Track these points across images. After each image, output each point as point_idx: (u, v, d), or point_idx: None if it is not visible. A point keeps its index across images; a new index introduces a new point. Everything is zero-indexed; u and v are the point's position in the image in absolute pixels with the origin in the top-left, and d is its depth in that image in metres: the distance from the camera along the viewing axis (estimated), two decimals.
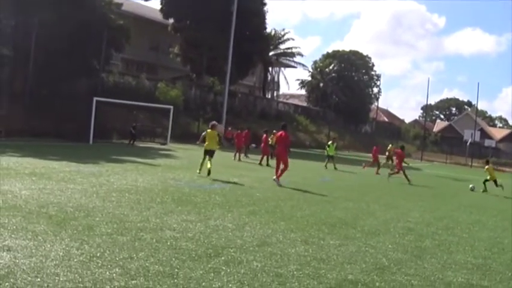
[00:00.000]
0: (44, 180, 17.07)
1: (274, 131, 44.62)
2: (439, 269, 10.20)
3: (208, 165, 23.27)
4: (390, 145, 46.11)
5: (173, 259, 8.90)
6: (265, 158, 34.95)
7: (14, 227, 10.07)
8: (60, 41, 40.64)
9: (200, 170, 23.57)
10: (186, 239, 10.50)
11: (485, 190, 30.15)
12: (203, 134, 25.13)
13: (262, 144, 36.18)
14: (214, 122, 26.18)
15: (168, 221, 12.17)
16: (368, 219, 15.43)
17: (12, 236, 9.38)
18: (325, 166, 37.87)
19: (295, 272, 8.88)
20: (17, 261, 7.96)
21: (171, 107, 50.28)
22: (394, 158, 38.06)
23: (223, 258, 9.31)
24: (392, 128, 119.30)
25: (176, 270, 8.31)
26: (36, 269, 7.69)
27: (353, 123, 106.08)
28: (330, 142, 41.96)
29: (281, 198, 18.33)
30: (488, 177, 31.07)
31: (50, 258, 8.25)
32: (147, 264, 8.47)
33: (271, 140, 42.00)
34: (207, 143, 24.17)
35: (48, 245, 8.99)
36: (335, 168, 37.29)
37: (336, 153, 40.58)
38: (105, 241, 9.65)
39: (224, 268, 8.67)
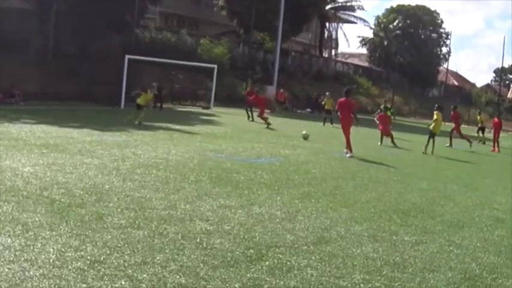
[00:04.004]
0: (56, 153, 15.87)
1: (327, 93, 43.39)
2: None
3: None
4: (479, 116, 43.38)
5: (201, 265, 7.45)
6: None
7: (2, 217, 8.78)
8: None
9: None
10: (221, 233, 9.07)
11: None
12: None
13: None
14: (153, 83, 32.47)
15: (201, 207, 10.77)
16: (447, 205, 13.74)
17: None
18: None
19: (362, 285, 7.37)
20: None
21: (215, 66, 48.98)
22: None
23: (267, 263, 7.82)
24: (463, 92, 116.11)
25: (203, 283, 6.85)
26: (14, 281, 6.36)
27: (419, 86, 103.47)
28: (382, 106, 40.06)
29: (341, 176, 16.80)
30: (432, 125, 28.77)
31: (37, 265, 6.88)
32: (165, 273, 7.03)
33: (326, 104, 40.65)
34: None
35: (39, 244, 7.65)
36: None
37: (393, 119, 38.15)
38: (115, 237, 8.28)
39: (268, 279, 7.19)
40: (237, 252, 8.14)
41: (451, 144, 31.95)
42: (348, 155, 21.95)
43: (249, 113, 38.43)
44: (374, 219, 11.24)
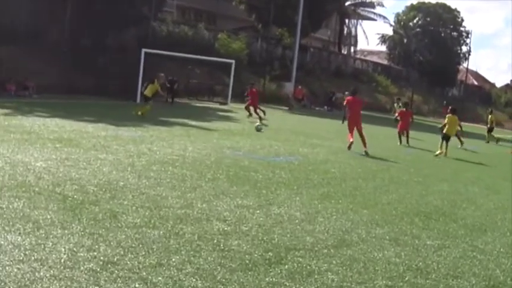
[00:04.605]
0: (70, 147, 15.69)
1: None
2: None
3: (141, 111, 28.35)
4: (490, 115, 42.55)
5: (218, 268, 7.24)
6: None
7: (13, 214, 8.59)
8: None
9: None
10: (239, 234, 8.85)
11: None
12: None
13: None
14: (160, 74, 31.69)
15: (218, 206, 10.56)
16: (469, 208, 13.49)
17: (6, 228, 7.89)
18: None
19: None
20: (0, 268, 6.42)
21: (233, 61, 48.77)
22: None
23: (286, 266, 7.60)
24: (482, 92, 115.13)
25: (221, 286, 6.65)
26: (23, 282, 6.16)
27: (439, 85, 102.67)
28: (396, 104, 39.62)
29: (361, 176, 16.55)
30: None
31: (47, 265, 6.68)
32: (180, 276, 6.83)
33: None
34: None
35: (50, 243, 7.45)
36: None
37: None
38: (129, 237, 8.08)
39: (288, 284, 6.97)
40: (256, 255, 7.93)
41: (462, 144, 31.56)
42: (349, 150, 22.25)
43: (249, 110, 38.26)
44: (395, 222, 11.00)
